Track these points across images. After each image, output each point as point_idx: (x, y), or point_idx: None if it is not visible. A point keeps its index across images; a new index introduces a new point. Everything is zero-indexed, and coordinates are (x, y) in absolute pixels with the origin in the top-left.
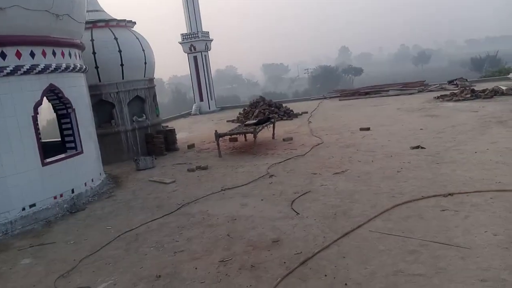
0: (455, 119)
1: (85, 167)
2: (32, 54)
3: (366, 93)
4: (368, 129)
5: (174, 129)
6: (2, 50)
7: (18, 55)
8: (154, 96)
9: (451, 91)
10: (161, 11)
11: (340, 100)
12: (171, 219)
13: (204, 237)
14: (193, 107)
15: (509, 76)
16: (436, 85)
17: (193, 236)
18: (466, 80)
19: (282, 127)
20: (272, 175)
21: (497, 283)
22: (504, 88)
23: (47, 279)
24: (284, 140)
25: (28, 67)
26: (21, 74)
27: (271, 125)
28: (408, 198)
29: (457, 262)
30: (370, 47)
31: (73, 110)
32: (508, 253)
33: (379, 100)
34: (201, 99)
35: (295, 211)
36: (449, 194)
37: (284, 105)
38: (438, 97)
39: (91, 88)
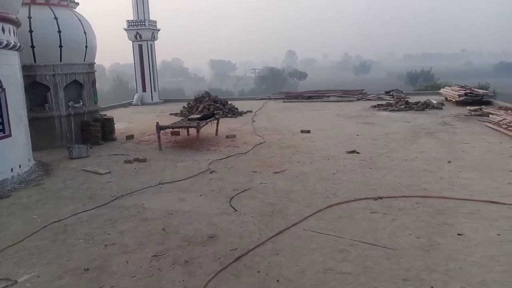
0: (389, 127)
1: (13, 152)
2: None
3: (309, 97)
4: (308, 131)
5: (112, 118)
6: None
7: None
8: (94, 82)
9: (387, 101)
10: None
11: (284, 102)
12: (104, 211)
13: (137, 230)
14: (135, 97)
15: (440, 91)
16: (374, 95)
17: (126, 230)
18: (402, 92)
19: (226, 124)
20: (212, 171)
21: (417, 283)
22: (434, 102)
23: None
24: (227, 137)
25: None
26: None
27: (215, 121)
28: (341, 199)
29: (383, 262)
30: (315, 53)
31: (3, 90)
32: (428, 255)
33: (320, 104)
34: (144, 90)
35: (233, 208)
36: (379, 198)
37: (229, 102)
38: (375, 106)
39: (25, 68)
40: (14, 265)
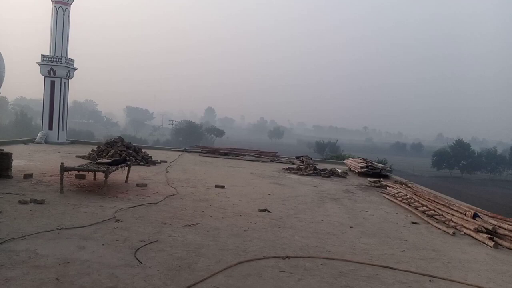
0: (298, 190)
1: None
2: None
3: (225, 154)
4: (223, 187)
5: (11, 153)
6: None
7: None
8: None
9: (297, 165)
10: (22, 26)
11: (200, 155)
12: None
13: (27, 279)
14: (39, 134)
15: (344, 161)
16: (286, 158)
17: (13, 277)
18: (311, 158)
19: (138, 172)
20: (118, 220)
21: None
22: (340, 171)
23: None
24: (137, 185)
25: None
26: None
27: (127, 168)
28: (251, 256)
29: None
30: (233, 114)
31: None
32: None
33: (236, 162)
34: (50, 128)
35: (138, 260)
36: (287, 257)
37: (143, 150)
38: (286, 169)
39: None
40: None
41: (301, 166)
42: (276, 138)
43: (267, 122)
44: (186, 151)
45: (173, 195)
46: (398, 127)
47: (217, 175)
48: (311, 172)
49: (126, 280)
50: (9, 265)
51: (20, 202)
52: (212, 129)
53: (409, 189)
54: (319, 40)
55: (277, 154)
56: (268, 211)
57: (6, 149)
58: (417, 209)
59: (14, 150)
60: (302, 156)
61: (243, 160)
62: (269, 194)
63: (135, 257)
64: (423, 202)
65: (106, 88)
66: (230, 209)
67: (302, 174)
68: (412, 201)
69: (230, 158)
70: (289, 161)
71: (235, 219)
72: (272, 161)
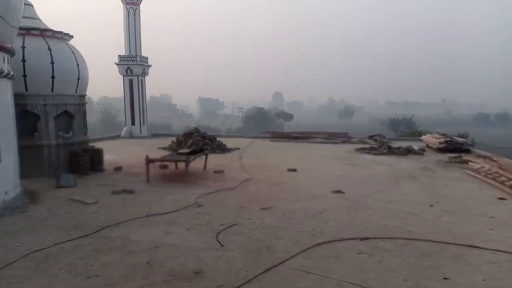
0: (372, 170)
1: (1, 179)
2: None
3: (296, 138)
4: (295, 170)
5: (102, 149)
6: None
7: None
8: (84, 113)
9: (370, 145)
10: (99, 29)
11: (271, 141)
12: (88, 242)
13: (122, 263)
14: (124, 130)
15: (421, 138)
16: (357, 138)
17: (110, 261)
18: (384, 137)
19: (214, 160)
20: (200, 205)
21: None
22: (416, 148)
23: None
24: (215, 172)
25: None
26: None
27: (204, 156)
28: (328, 238)
29: None
30: (302, 97)
31: None
32: None
33: (306, 145)
34: (133, 123)
35: (220, 243)
36: (365, 238)
37: (217, 139)
38: (359, 149)
39: (16, 97)
40: None
41: (374, 146)
42: (346, 118)
43: (336, 103)
44: (257, 137)
45: (248, 180)
46: (480, 97)
47: (288, 159)
48: (385, 151)
49: (210, 263)
50: (106, 251)
51: (112, 192)
52: (280, 113)
53: (494, 163)
54: (387, 9)
55: (348, 134)
56: (342, 192)
57: (97, 145)
58: (504, 184)
59: (104, 145)
60: (375, 135)
61: (313, 143)
62: (342, 175)
63: (217, 240)
64: (510, 176)
65: (179, 81)
66: (304, 191)
67: (376, 154)
68: (498, 175)
69: (301, 142)
70: (362, 141)
71: (310, 201)
72: (344, 142)
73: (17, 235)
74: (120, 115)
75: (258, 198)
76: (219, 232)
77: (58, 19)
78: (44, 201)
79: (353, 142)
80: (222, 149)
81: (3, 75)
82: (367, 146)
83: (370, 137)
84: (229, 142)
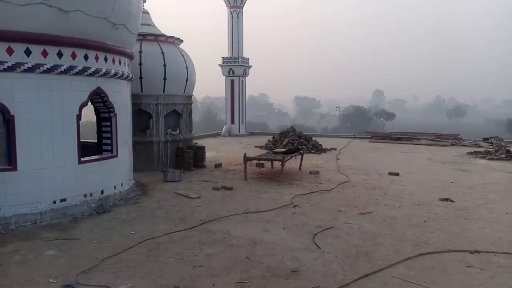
0: (487, 177)
1: (117, 171)
2: (86, 57)
3: (398, 138)
4: (397, 174)
5: (204, 146)
6: (59, 50)
7: (73, 56)
8: (190, 112)
9: (485, 149)
10: (203, 31)
11: (370, 141)
12: (193, 234)
13: (223, 256)
14: (224, 128)
15: None
16: (470, 141)
17: (213, 253)
18: (502, 140)
19: (310, 160)
20: (296, 206)
21: None
22: None
23: (69, 272)
24: (310, 173)
25: (81, 69)
26: (73, 74)
27: (300, 156)
28: (433, 249)
29: None
30: (404, 94)
31: (115, 115)
32: None
33: (410, 147)
34: (232, 122)
35: (316, 245)
36: (476, 251)
37: (313, 138)
38: (471, 153)
39: (133, 96)
40: (113, 274)
41: (489, 149)
42: (456, 118)
43: (445, 101)
44: (355, 138)
45: (345, 182)
46: None
47: (390, 161)
48: (503, 155)
49: (307, 263)
50: (209, 243)
51: (213, 188)
52: (381, 112)
53: None
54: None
55: (459, 136)
56: (451, 201)
57: (199, 142)
58: None
59: (205, 143)
60: (491, 138)
61: (418, 144)
62: (451, 182)
63: (314, 241)
64: None
65: (277, 81)
66: (407, 197)
67: (492, 159)
68: None
69: (403, 143)
70: (475, 144)
71: (413, 208)
72: (453, 145)
73: (131, 223)
74: (220, 114)
75: (356, 202)
76: (316, 234)
77: (167, 23)
78: (153, 194)
79: (464, 145)
80: (318, 149)
81: (123, 77)
82: (481, 149)
83: (485, 139)
84: (325, 142)
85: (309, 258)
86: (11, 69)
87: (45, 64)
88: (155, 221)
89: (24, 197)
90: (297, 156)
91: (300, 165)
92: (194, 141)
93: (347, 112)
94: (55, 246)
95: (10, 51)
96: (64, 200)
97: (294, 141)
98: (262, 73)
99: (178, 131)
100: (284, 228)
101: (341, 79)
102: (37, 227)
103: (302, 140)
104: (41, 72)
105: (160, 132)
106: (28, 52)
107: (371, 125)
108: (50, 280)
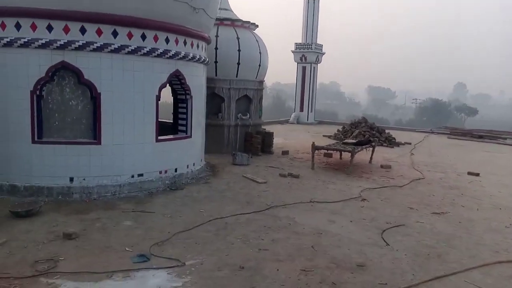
0: None
1: (190, 151)
2: (167, 40)
3: (480, 136)
4: (477, 174)
5: (272, 132)
6: (143, 32)
7: (155, 38)
8: (261, 98)
9: None
10: (276, 16)
11: (448, 138)
12: (259, 217)
13: (288, 242)
14: (292, 115)
15: None
16: None
17: (278, 239)
18: None
19: (381, 154)
20: (364, 199)
21: None
22: None
23: (144, 243)
24: (381, 166)
25: (162, 51)
26: (155, 56)
27: (371, 148)
28: None
29: None
30: (490, 89)
31: (191, 97)
32: None
33: (493, 146)
34: (301, 110)
35: (385, 241)
36: None
37: (386, 131)
38: None
39: (207, 80)
40: (183, 249)
41: None
42: None
43: None
44: (432, 132)
45: (419, 179)
46: None
47: (470, 160)
48: None
49: (374, 259)
50: (274, 228)
51: (280, 175)
52: (462, 107)
53: None
54: None
55: None
56: None
57: (268, 128)
58: None
59: (273, 129)
60: None
61: (504, 144)
62: None
63: (382, 238)
64: None
65: (349, 69)
66: (487, 200)
67: None
68: None
69: (486, 142)
70: None
71: (494, 212)
72: None
73: (202, 202)
74: (289, 100)
75: (430, 201)
76: (384, 230)
77: (241, 5)
78: (222, 175)
79: None
80: (390, 142)
81: (200, 61)
82: None
83: None
84: (398, 135)
85: (377, 254)
86: (99, 49)
87: (130, 46)
88: (223, 202)
89: (106, 170)
90: (368, 149)
91: (371, 158)
92: (263, 127)
93: (424, 104)
94: (131, 218)
95: (99, 32)
96: (141, 175)
97: (365, 133)
98: (334, 60)
99: (248, 116)
100: (351, 221)
101: (418, 69)
102: (116, 198)
103: (374, 132)
104: (126, 53)
105: (231, 116)
106: (115, 34)
107: (450, 120)
108: (127, 249)
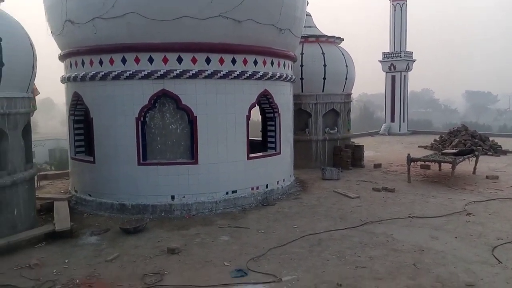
0: None
1: (280, 167)
2: (255, 62)
3: None
4: None
5: (362, 145)
6: (233, 57)
7: (245, 62)
8: (349, 111)
9: None
10: (361, 28)
11: None
12: (353, 234)
13: (387, 260)
14: (382, 126)
15: None
16: None
17: (376, 256)
18: None
19: (486, 163)
20: (470, 213)
21: None
22: None
23: (241, 258)
24: (487, 177)
25: (251, 73)
26: (244, 78)
27: (474, 158)
28: None
29: None
30: None
31: (279, 114)
32: None
33: None
34: (392, 120)
35: (496, 259)
36: None
37: (490, 138)
38: None
39: (294, 97)
40: (278, 265)
41: None
42: None
43: None
44: None
45: None
46: None
47: None
48: None
49: (485, 278)
50: (371, 245)
51: (373, 189)
52: None
53: None
54: None
55: None
56: None
57: (356, 141)
58: None
59: (363, 141)
60: None
61: None
62: None
63: (493, 255)
64: None
65: (443, 74)
66: None
67: None
68: None
69: None
70: None
71: None
72: None
73: (293, 217)
74: (377, 111)
75: None
76: (496, 247)
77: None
78: (312, 190)
79: None
80: (496, 150)
81: (287, 79)
82: None
83: None
84: (504, 143)
85: (488, 273)
86: (194, 76)
87: (222, 71)
88: (315, 217)
89: (203, 187)
90: (470, 158)
91: (475, 169)
92: (352, 140)
93: None
94: (228, 233)
95: (194, 61)
96: (235, 191)
97: (466, 141)
98: (425, 67)
99: (336, 129)
100: (456, 237)
101: None
102: (213, 214)
103: (476, 140)
104: (218, 78)
105: (318, 131)
106: (208, 61)
107: None
108: (225, 263)
